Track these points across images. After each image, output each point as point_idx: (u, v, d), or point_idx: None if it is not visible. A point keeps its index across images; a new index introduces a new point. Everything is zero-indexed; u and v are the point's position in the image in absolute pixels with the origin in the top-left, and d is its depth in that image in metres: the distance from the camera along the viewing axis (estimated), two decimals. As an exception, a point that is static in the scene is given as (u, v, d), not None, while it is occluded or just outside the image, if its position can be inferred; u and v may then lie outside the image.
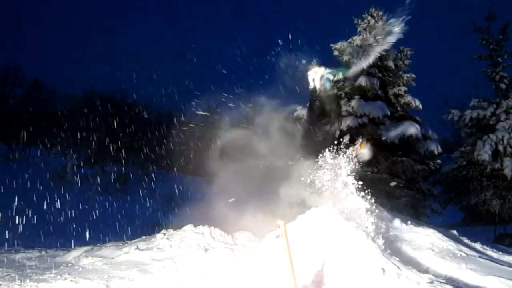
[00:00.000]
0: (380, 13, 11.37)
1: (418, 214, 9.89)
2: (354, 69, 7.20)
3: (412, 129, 10.04)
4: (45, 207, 12.34)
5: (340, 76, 6.64)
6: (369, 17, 11.37)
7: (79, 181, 18.31)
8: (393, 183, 10.02)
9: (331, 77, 6.38)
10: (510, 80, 14.32)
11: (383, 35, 6.40)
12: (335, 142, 6.09)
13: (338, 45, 11.36)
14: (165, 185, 21.26)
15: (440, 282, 4.02)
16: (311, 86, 6.41)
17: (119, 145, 19.86)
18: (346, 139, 6.80)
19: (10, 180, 14.86)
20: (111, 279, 4.73)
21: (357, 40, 11.12)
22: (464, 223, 13.75)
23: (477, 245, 5.68)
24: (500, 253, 5.49)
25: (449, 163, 14.60)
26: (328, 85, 6.34)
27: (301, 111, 11.25)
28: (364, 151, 6.93)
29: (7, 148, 17.14)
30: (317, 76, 6.34)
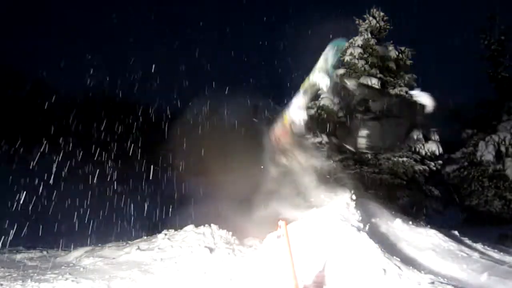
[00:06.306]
0: (382, 13, 11.34)
1: (419, 215, 9.85)
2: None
3: (413, 129, 10.02)
4: (46, 208, 12.34)
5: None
6: (371, 18, 11.34)
7: (80, 182, 18.31)
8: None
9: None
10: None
11: None
12: None
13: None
14: (166, 185, 21.22)
15: (441, 283, 4.02)
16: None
17: (120, 146, 19.84)
18: None
19: (10, 180, 14.87)
20: (112, 279, 4.75)
21: (358, 40, 11.10)
22: (465, 223, 13.71)
23: (479, 246, 5.67)
24: (502, 253, 5.48)
25: (450, 163, 14.58)
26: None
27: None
28: None
29: (8, 149, 17.14)
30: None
